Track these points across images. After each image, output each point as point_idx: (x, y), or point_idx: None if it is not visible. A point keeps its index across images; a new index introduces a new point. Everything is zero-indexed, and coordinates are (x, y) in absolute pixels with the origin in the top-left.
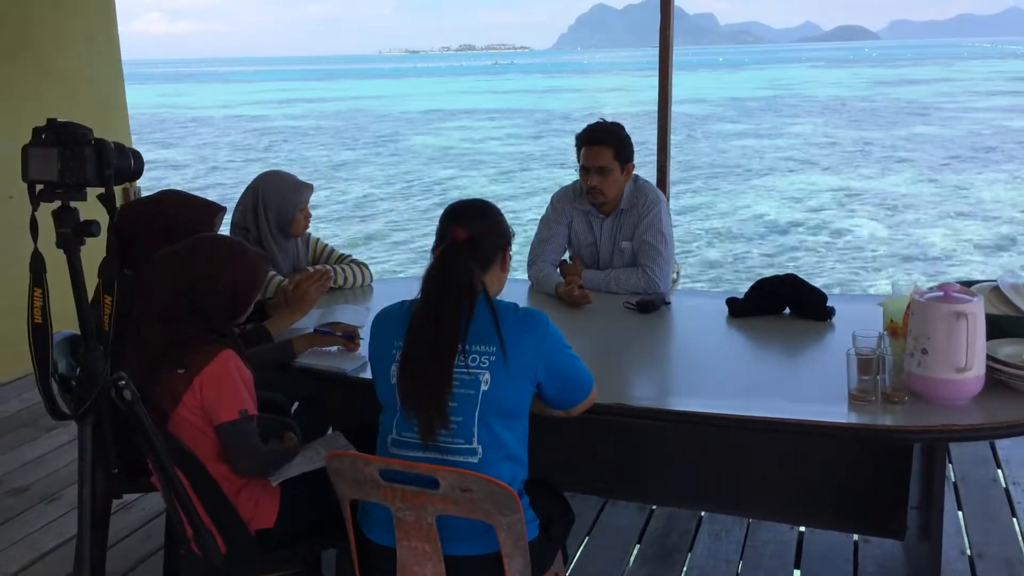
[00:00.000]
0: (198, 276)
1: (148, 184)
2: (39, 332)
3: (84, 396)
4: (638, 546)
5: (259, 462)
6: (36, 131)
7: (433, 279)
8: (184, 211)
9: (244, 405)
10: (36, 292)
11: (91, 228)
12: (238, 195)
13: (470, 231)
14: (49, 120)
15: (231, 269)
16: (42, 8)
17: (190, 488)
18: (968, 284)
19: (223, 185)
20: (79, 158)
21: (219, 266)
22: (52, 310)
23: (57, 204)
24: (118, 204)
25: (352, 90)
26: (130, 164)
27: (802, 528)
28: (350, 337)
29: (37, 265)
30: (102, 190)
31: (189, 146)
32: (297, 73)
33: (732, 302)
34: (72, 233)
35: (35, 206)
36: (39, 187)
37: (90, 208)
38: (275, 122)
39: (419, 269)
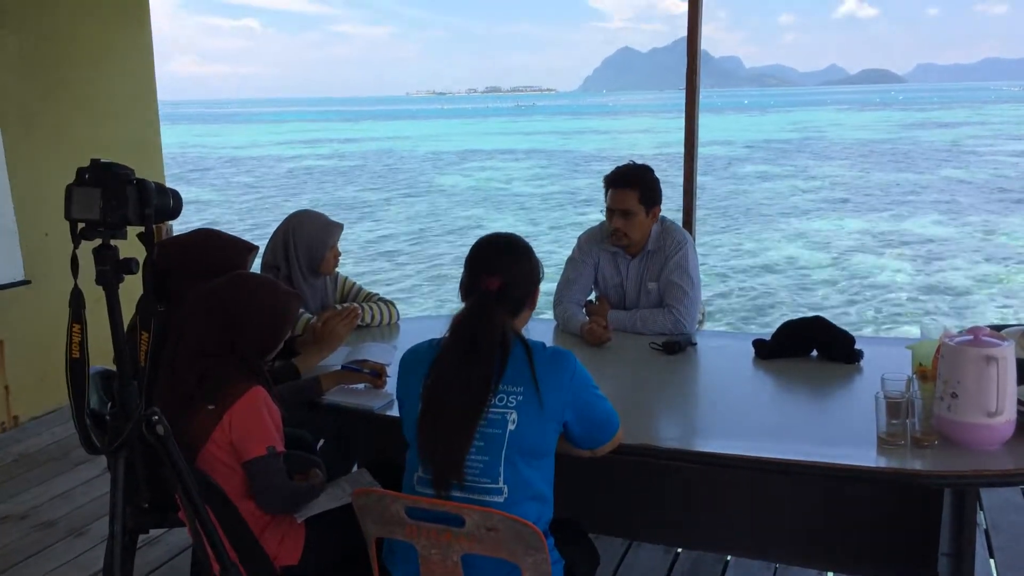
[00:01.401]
0: (232, 313)
1: (179, 224)
2: (76, 367)
3: (119, 430)
4: None
5: (285, 499)
6: (80, 171)
7: (464, 328)
8: (218, 250)
9: (272, 442)
10: (75, 327)
11: (130, 266)
12: (268, 235)
13: (501, 279)
14: (92, 160)
15: (264, 306)
16: (81, 49)
17: (217, 524)
18: (998, 328)
19: (253, 225)
20: (121, 198)
21: (253, 303)
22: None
23: (98, 242)
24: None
25: (379, 131)
26: (169, 203)
27: (830, 574)
28: (377, 375)
29: (77, 301)
30: (141, 228)
31: (219, 185)
32: (325, 114)
33: (759, 343)
34: (111, 271)
35: (76, 244)
36: (80, 225)
37: (125, 245)
38: (305, 162)
39: (445, 309)
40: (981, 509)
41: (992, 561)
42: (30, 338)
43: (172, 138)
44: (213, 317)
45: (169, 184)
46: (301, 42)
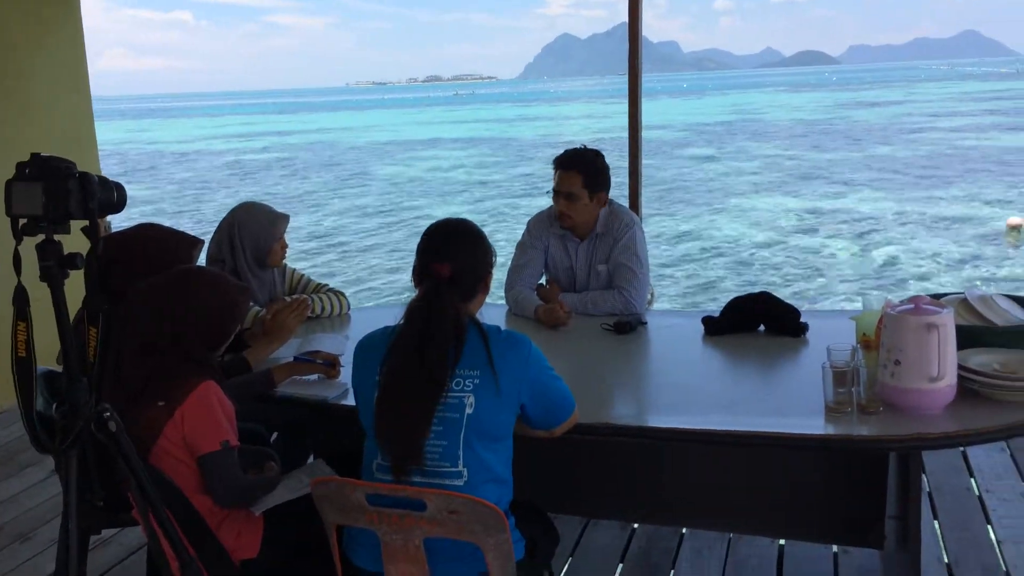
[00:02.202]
0: (179, 308)
1: (117, 221)
2: (23, 365)
3: (69, 428)
4: (621, 565)
5: (240, 493)
6: (20, 165)
7: (418, 315)
8: (162, 244)
9: (225, 436)
10: (20, 326)
11: (75, 261)
12: (207, 229)
13: (452, 268)
14: (33, 155)
15: (211, 301)
16: (8, 38)
17: (173, 520)
18: (937, 297)
19: (193, 220)
20: (63, 192)
21: (199, 298)
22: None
23: (41, 238)
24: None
25: (319, 122)
26: (113, 197)
27: (782, 541)
28: (331, 365)
29: (20, 299)
30: (85, 223)
31: (156, 181)
32: (263, 107)
33: (708, 320)
34: (56, 266)
35: (18, 240)
36: (22, 221)
37: (67, 240)
38: (243, 156)
39: (394, 298)
40: (924, 472)
41: (936, 522)
42: None
43: (105, 135)
44: (158, 313)
45: None
46: (236, 34)
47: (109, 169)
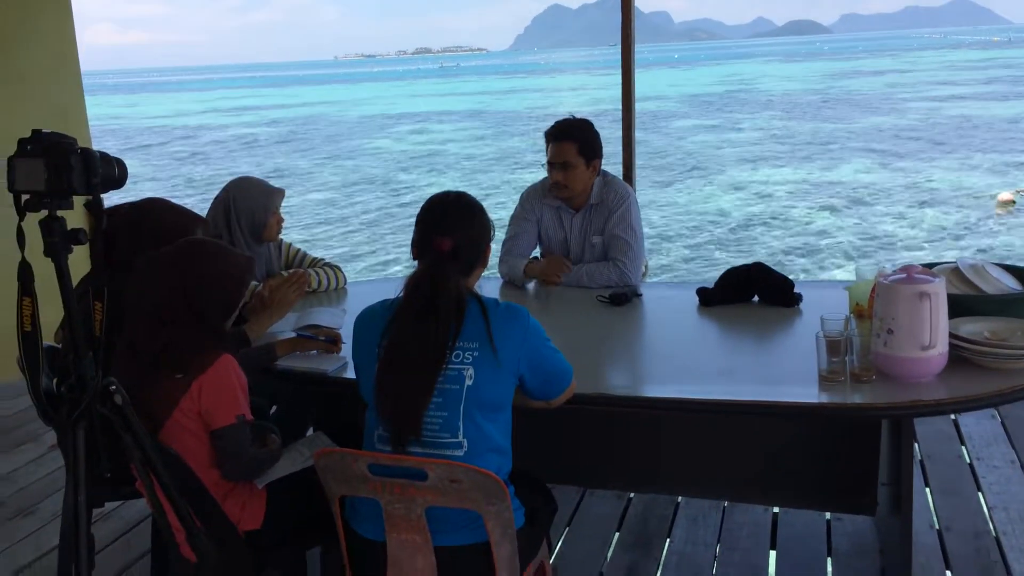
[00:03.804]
0: (191, 278)
1: (109, 199)
2: (29, 340)
3: (76, 402)
4: (618, 534)
5: (249, 467)
6: (21, 142)
7: (419, 288)
8: (167, 217)
9: (241, 410)
10: (25, 301)
11: (79, 236)
12: (198, 205)
13: (453, 241)
14: (34, 131)
15: (225, 271)
16: None
17: (179, 493)
18: (929, 266)
19: (188, 196)
20: (66, 167)
21: (215, 268)
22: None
23: (44, 214)
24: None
25: (308, 96)
26: (115, 172)
27: (776, 509)
28: (332, 341)
29: (25, 274)
30: (87, 198)
31: (146, 157)
32: (252, 80)
33: (703, 292)
34: (60, 241)
35: (21, 216)
36: (25, 197)
37: (70, 215)
38: (234, 130)
39: (390, 272)
40: (916, 440)
41: (928, 489)
42: None
43: (93, 109)
44: (172, 285)
45: None
46: (222, 7)
47: (97, 144)
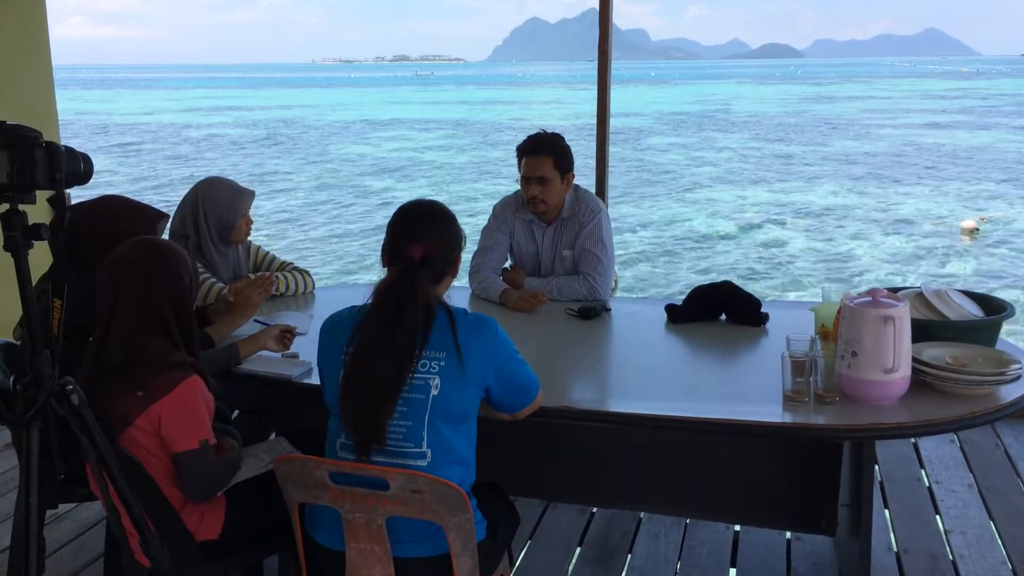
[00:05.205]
0: (159, 285)
1: (76, 192)
2: None
3: (32, 400)
4: (579, 548)
5: (211, 487)
6: None
7: (388, 295)
8: (128, 215)
9: (205, 435)
10: None
11: (40, 231)
12: (167, 203)
13: (424, 249)
14: None
15: (183, 272)
16: None
17: (134, 497)
18: (895, 291)
19: (154, 193)
20: (29, 161)
21: (175, 271)
22: None
23: (5, 207)
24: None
25: (285, 99)
26: (80, 168)
27: (737, 527)
28: (287, 330)
29: None
30: (50, 193)
31: (116, 154)
32: (227, 80)
33: (671, 308)
34: (20, 236)
35: None
36: None
37: (32, 211)
38: (205, 130)
39: (357, 277)
40: (876, 462)
41: (887, 511)
42: None
43: (64, 104)
44: (139, 289)
45: None
46: (199, 5)
47: (66, 139)
